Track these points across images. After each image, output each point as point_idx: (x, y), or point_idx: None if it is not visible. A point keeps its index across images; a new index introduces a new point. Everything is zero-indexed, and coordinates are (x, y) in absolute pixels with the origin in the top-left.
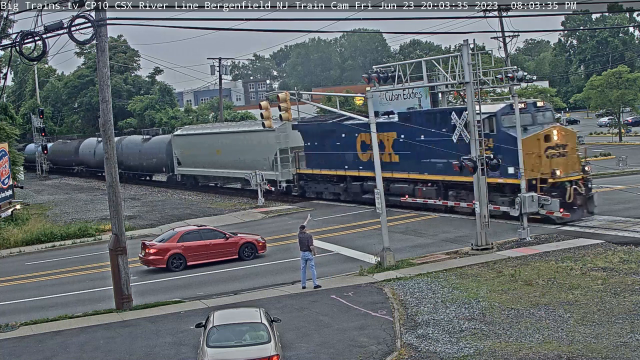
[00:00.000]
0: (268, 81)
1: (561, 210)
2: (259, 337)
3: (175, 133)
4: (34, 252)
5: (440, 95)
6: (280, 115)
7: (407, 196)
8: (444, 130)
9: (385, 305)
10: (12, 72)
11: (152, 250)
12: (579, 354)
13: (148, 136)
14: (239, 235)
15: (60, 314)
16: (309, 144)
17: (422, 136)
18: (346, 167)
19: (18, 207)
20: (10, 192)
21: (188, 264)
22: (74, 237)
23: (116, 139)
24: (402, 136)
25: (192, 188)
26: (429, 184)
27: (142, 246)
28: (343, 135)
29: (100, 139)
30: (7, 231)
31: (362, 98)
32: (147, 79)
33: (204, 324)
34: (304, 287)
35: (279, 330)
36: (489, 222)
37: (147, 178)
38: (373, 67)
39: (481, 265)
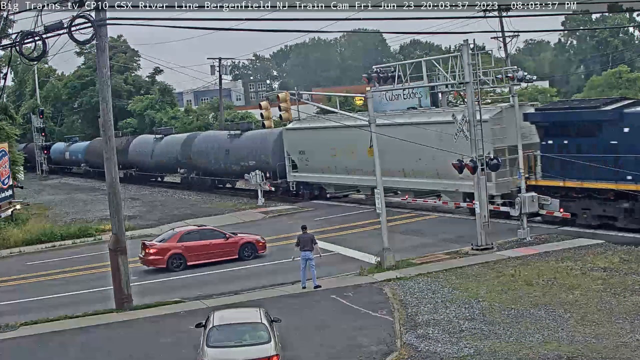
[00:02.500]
0: (268, 81)
1: (561, 210)
2: (259, 337)
3: (290, 126)
4: (34, 252)
5: (440, 95)
6: (280, 116)
7: (407, 196)
8: None
9: (385, 305)
10: (12, 72)
11: (152, 250)
12: (579, 354)
13: (238, 132)
14: (239, 235)
15: (60, 314)
16: (550, 141)
17: None
18: (629, 178)
19: (18, 207)
20: (10, 192)
21: (188, 264)
22: (74, 237)
23: (185, 135)
24: None
25: (316, 201)
26: None
27: (142, 246)
28: (626, 130)
29: (158, 136)
30: (7, 231)
31: (362, 98)
32: (147, 79)
33: (204, 324)
34: (304, 287)
35: (279, 330)
36: (489, 222)
37: (230, 185)
38: (373, 67)
39: (481, 265)
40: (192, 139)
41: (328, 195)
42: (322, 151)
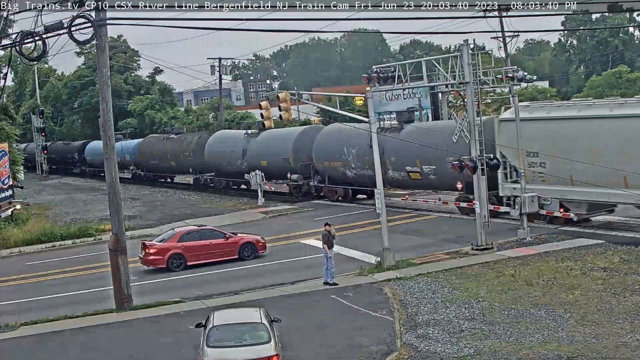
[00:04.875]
0: (268, 81)
1: (561, 210)
2: (259, 337)
3: (506, 116)
4: (34, 252)
5: (440, 95)
6: (280, 116)
7: (407, 196)
8: None
9: (385, 305)
10: (12, 72)
11: (152, 250)
12: (579, 354)
13: (395, 123)
14: (239, 235)
15: (60, 314)
16: None
17: None
18: None
19: (18, 207)
20: (10, 192)
21: (188, 264)
22: (74, 237)
23: (298, 130)
24: None
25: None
26: None
27: (142, 246)
28: None
29: (251, 131)
30: (7, 231)
31: (362, 98)
32: (147, 79)
33: (204, 324)
34: (331, 284)
35: (279, 330)
36: (489, 222)
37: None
38: (373, 67)
39: (481, 265)
40: (311, 134)
41: (575, 219)
42: (580, 152)
